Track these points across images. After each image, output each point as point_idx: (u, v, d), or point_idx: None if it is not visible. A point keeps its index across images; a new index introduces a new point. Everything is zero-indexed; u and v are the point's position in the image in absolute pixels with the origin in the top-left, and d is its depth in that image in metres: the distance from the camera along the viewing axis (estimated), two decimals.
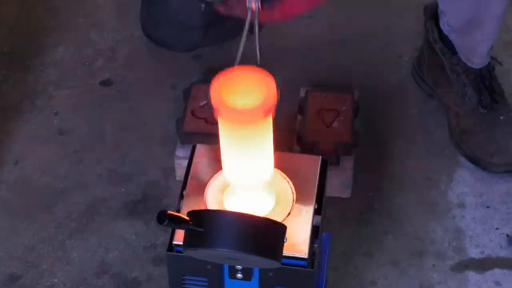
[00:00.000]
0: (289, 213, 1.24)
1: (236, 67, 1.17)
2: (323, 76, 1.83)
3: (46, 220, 1.61)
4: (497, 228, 1.60)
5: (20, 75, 1.84)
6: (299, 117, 1.69)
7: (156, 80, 1.82)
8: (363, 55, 1.88)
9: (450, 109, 1.68)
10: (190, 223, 1.09)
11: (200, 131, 1.63)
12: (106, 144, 1.73)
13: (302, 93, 1.72)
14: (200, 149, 1.33)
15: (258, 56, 1.22)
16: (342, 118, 1.65)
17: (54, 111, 1.78)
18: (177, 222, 1.08)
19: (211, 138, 1.55)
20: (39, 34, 1.92)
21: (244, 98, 1.13)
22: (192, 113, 1.67)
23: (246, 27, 1.21)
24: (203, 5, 1.83)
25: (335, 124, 1.65)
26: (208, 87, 1.13)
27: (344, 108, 1.67)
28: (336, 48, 1.89)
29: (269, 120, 1.17)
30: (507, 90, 1.79)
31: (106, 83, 1.84)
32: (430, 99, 1.79)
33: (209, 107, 1.13)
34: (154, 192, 1.65)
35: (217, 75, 1.15)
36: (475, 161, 1.66)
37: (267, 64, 1.82)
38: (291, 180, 1.28)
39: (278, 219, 1.20)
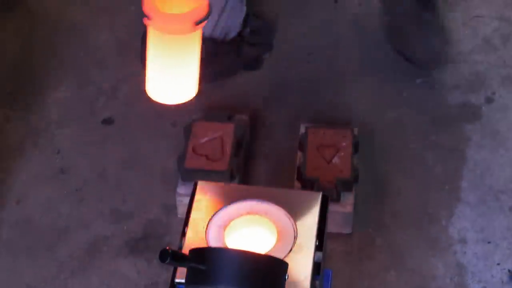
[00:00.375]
0: (291, 250, 1.24)
1: None
2: (322, 112, 1.85)
3: (48, 259, 1.61)
4: (498, 264, 1.60)
5: (22, 114, 1.86)
6: (299, 153, 1.70)
7: (157, 118, 1.84)
8: (362, 91, 1.90)
9: (388, 7, 1.83)
10: (192, 261, 1.09)
11: (201, 168, 1.65)
12: (108, 182, 1.74)
13: (302, 129, 1.73)
14: (202, 186, 1.34)
15: None
16: (342, 154, 1.67)
17: (56, 150, 1.80)
18: (179, 260, 1.09)
19: (212, 175, 1.61)
20: (41, 73, 1.94)
21: (176, 7, 1.18)
22: (193, 150, 1.68)
23: None
24: None
25: (335, 160, 1.66)
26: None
27: (344, 144, 1.68)
28: (336, 83, 1.91)
29: (198, 34, 1.19)
30: (506, 125, 1.82)
31: (107, 121, 1.86)
32: (430, 135, 1.81)
33: (141, 14, 1.16)
34: (155, 230, 1.66)
35: None
36: (403, 55, 1.82)
37: (267, 101, 1.87)
38: (292, 216, 1.29)
39: (280, 256, 1.21)
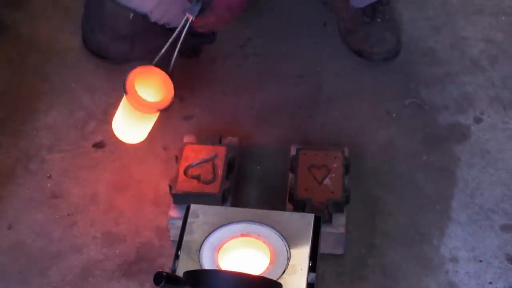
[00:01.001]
0: (284, 271, 1.26)
1: (151, 66, 1.67)
2: (313, 133, 1.86)
3: (40, 284, 1.61)
4: (490, 283, 1.61)
5: (13, 140, 1.86)
6: (290, 175, 1.71)
7: (148, 141, 1.83)
8: (352, 113, 1.91)
9: (338, 14, 2.01)
10: (187, 283, 1.10)
11: (193, 190, 1.65)
12: (100, 205, 1.74)
13: (293, 151, 1.74)
14: (195, 209, 1.36)
15: (172, 63, 1.65)
16: (334, 175, 1.67)
17: (48, 175, 1.80)
18: (174, 282, 1.10)
19: (204, 198, 1.61)
20: (32, 99, 1.94)
21: (149, 87, 1.66)
22: (185, 173, 1.69)
23: (176, 31, 1.63)
24: (131, 14, 1.88)
25: (326, 181, 1.67)
26: (127, 75, 1.64)
27: (335, 165, 1.69)
28: (325, 105, 1.93)
29: (157, 113, 1.69)
30: (495, 145, 1.84)
31: (98, 145, 1.86)
32: (420, 156, 1.83)
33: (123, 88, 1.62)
34: (148, 253, 1.65)
35: (137, 68, 1.65)
36: (359, 53, 1.96)
37: (257, 123, 1.89)
38: (285, 238, 1.31)
39: (273, 277, 1.22)
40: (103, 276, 1.62)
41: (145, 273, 1.62)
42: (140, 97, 1.65)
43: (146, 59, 1.93)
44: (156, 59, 1.66)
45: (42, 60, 2.02)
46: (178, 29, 1.64)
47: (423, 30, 2.06)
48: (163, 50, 1.66)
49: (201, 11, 1.64)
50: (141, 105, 1.65)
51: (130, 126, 1.72)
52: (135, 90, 1.64)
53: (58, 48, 2.04)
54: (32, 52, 2.03)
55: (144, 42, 1.94)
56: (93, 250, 1.67)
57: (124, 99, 1.68)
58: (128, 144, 1.80)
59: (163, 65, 1.75)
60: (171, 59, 1.67)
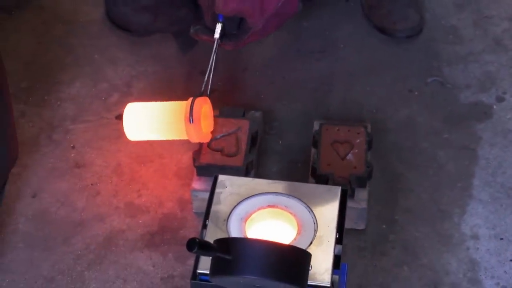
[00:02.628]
0: (311, 243, 1.26)
1: (206, 97, 1.66)
2: (335, 109, 1.85)
3: (64, 252, 1.62)
4: (511, 260, 1.61)
5: (37, 110, 1.87)
6: (313, 150, 1.71)
7: None
8: (374, 89, 1.91)
9: None
10: (218, 251, 1.10)
11: (216, 163, 1.65)
12: (122, 176, 1.75)
13: (316, 126, 1.74)
14: (222, 179, 1.36)
15: (209, 88, 1.66)
16: (356, 150, 1.67)
17: (71, 145, 1.80)
18: (206, 249, 1.10)
19: (228, 170, 1.61)
20: (56, 70, 1.94)
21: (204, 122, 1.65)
22: (208, 145, 1.69)
23: (213, 56, 1.65)
24: None
25: (349, 156, 1.67)
26: (193, 100, 1.62)
27: (358, 141, 1.69)
28: (347, 82, 1.92)
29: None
30: None
31: (121, 117, 1.82)
32: (442, 133, 1.82)
33: (186, 117, 1.62)
34: (170, 224, 1.66)
35: (199, 97, 1.63)
36: (382, 30, 1.97)
37: (280, 98, 1.88)
38: (312, 210, 1.31)
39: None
40: (126, 246, 1.63)
41: (167, 244, 1.63)
42: (201, 130, 1.62)
43: (168, 31, 1.98)
44: (203, 88, 1.65)
45: (66, 31, 2.02)
46: (212, 56, 1.65)
47: (447, 8, 2.05)
48: (204, 83, 1.66)
49: (233, 36, 1.64)
50: (195, 136, 1.63)
51: (149, 131, 1.68)
52: (200, 122, 1.62)
53: (82, 19, 2.05)
54: (56, 23, 2.04)
55: (166, 14, 1.94)
56: (116, 220, 1.67)
57: (170, 111, 1.65)
58: None
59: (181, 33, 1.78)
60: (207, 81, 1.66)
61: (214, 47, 1.64)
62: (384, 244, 1.63)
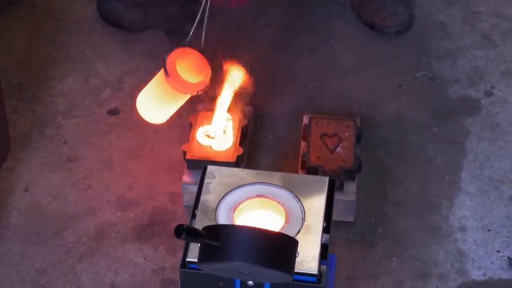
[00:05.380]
0: (299, 231, 1.27)
1: (187, 48, 1.65)
2: (325, 104, 1.87)
3: (56, 244, 1.64)
4: (498, 251, 1.63)
5: (29, 105, 1.88)
6: (303, 143, 1.73)
7: None
8: (364, 84, 1.92)
9: None
10: (206, 237, 1.12)
11: (206, 157, 1.67)
12: (114, 171, 1.76)
13: (305, 119, 1.76)
14: (211, 170, 1.37)
15: (203, 41, 1.63)
16: (345, 144, 1.69)
17: (63, 140, 1.82)
18: (194, 235, 1.11)
19: (217, 164, 1.59)
20: (48, 66, 1.96)
21: (186, 69, 1.64)
22: (198, 139, 1.71)
23: (201, 9, 1.60)
24: None
25: (338, 149, 1.69)
26: (166, 55, 1.62)
27: (347, 134, 1.71)
28: (337, 77, 1.94)
29: (189, 95, 1.69)
30: (505, 118, 1.85)
31: (113, 112, 1.88)
32: (431, 127, 1.84)
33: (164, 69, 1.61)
34: (161, 217, 1.68)
35: (175, 49, 1.63)
36: (372, 26, 1.98)
37: (270, 92, 1.90)
38: (300, 200, 1.32)
39: None
40: (118, 239, 1.65)
41: (158, 237, 1.65)
42: (182, 79, 1.63)
43: (159, 28, 2.00)
44: (188, 39, 1.65)
45: (57, 28, 2.04)
46: (200, 11, 1.63)
47: (436, 4, 2.07)
48: (190, 34, 1.65)
49: None
50: (183, 87, 1.63)
51: (160, 106, 1.69)
52: (177, 72, 1.63)
53: (73, 16, 2.06)
54: (48, 20, 2.05)
55: (158, 10, 1.96)
56: (108, 213, 1.69)
57: (157, 79, 1.66)
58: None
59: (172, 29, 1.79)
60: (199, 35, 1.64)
61: None
62: (373, 236, 1.65)
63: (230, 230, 1.14)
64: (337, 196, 1.56)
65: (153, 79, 1.70)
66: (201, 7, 1.62)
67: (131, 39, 2.01)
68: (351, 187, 1.65)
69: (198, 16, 1.63)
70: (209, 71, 1.67)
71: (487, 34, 2.02)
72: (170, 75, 1.61)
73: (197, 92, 1.65)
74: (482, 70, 1.94)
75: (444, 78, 1.93)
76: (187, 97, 1.69)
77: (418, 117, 1.86)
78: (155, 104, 1.69)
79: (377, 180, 1.74)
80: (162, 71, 1.65)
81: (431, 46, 1.99)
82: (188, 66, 1.65)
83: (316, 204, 1.32)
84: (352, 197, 1.64)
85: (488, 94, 1.90)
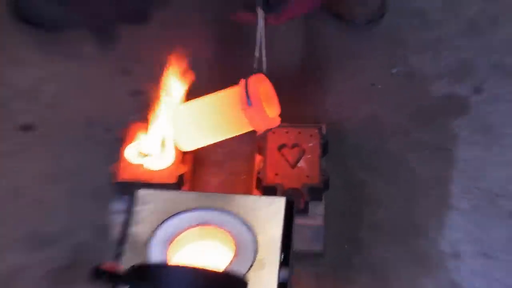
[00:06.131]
0: (251, 266, 1.23)
1: (261, 75, 1.62)
2: (284, 108, 1.77)
3: None
4: (497, 279, 1.58)
5: None
6: (258, 157, 1.67)
7: (87, 123, 1.80)
8: (330, 84, 1.90)
9: None
10: (133, 279, 1.06)
11: (138, 179, 1.60)
12: (26, 200, 1.68)
13: None
14: (143, 194, 1.34)
15: (264, 66, 1.62)
16: (309, 156, 1.64)
17: None
18: (117, 279, 1.07)
19: (154, 187, 1.54)
20: None
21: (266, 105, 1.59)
22: (130, 158, 1.62)
23: (259, 36, 1.62)
24: None
25: (300, 163, 1.63)
26: (246, 82, 1.56)
27: (310, 145, 1.66)
28: (299, 76, 1.92)
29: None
30: (498, 118, 1.83)
31: (26, 127, 1.81)
32: (411, 133, 1.81)
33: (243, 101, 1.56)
34: (85, 256, 1.59)
35: (255, 75, 1.59)
36: (339, 16, 1.99)
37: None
38: (252, 227, 1.28)
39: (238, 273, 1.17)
40: (28, 286, 1.55)
41: (81, 281, 1.49)
42: (266, 114, 1.55)
43: (84, 25, 1.97)
44: (255, 64, 1.61)
45: None
46: (258, 32, 1.62)
47: None
48: (256, 56, 1.61)
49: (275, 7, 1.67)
50: (261, 122, 1.56)
51: (203, 134, 1.61)
52: (262, 103, 1.55)
53: None
54: None
55: (84, 6, 1.95)
56: (16, 254, 1.60)
57: (221, 101, 1.59)
58: (63, 126, 1.76)
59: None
60: (260, 59, 1.63)
61: (259, 16, 1.62)
62: (347, 268, 1.59)
63: (163, 271, 1.09)
64: (301, 220, 1.53)
65: (209, 98, 1.61)
66: (259, 22, 1.63)
67: (50, 39, 1.96)
68: (318, 209, 1.59)
69: (259, 34, 1.63)
70: (277, 105, 1.62)
71: (473, 21, 2.02)
72: (254, 105, 1.54)
73: (266, 131, 1.61)
74: (468, 63, 1.93)
75: (424, 73, 1.92)
76: (241, 131, 1.62)
77: (396, 121, 1.83)
78: (199, 129, 1.61)
79: (350, 199, 1.69)
80: (229, 92, 1.59)
81: (407, 37, 1.99)
82: (262, 97, 1.59)
83: (271, 232, 1.28)
84: (320, 221, 1.58)
85: (478, 90, 1.89)
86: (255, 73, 1.60)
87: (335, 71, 1.93)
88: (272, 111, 1.60)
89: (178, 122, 1.60)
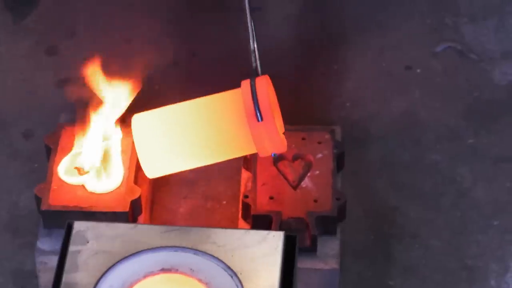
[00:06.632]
0: None
1: (263, 79, 1.64)
2: (283, 105, 1.79)
3: None
4: None
5: None
6: (245, 174, 1.73)
7: (0, 127, 1.86)
8: (346, 67, 1.95)
9: None
10: None
11: (75, 206, 1.66)
12: None
13: None
14: (81, 229, 1.37)
15: (258, 64, 1.65)
16: (317, 172, 1.69)
17: None
18: None
19: (98, 216, 1.62)
20: None
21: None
22: (62, 176, 1.68)
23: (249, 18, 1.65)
24: None
25: (305, 183, 1.69)
26: (252, 81, 1.60)
27: (319, 156, 1.71)
28: (302, 55, 1.96)
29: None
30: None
31: None
32: (464, 137, 1.86)
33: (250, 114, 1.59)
34: None
35: (263, 76, 1.64)
36: None
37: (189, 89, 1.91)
38: (235, 274, 1.32)
39: None
40: None
41: None
42: (278, 132, 1.60)
43: None
44: (254, 63, 1.64)
45: None
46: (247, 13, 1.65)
47: None
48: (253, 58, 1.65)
49: None
50: (271, 142, 1.60)
51: (177, 158, 1.64)
52: (274, 119, 1.60)
53: None
54: None
55: None
56: None
57: (221, 109, 1.61)
58: None
59: None
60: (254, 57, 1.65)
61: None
62: None
63: None
64: (307, 263, 1.60)
65: (192, 104, 1.64)
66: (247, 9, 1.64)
67: None
68: (330, 247, 1.65)
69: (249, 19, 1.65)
70: (281, 118, 1.67)
71: None
72: (265, 121, 1.57)
73: (272, 154, 1.64)
74: None
75: (483, 51, 1.96)
76: (238, 154, 1.67)
77: (442, 121, 1.88)
78: (174, 148, 1.63)
79: (376, 232, 1.75)
80: (222, 97, 1.62)
81: None
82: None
83: (265, 281, 1.31)
84: (333, 264, 1.64)
85: None
86: (254, 73, 1.61)
87: (354, 49, 1.96)
88: (279, 127, 1.62)
89: (141, 136, 1.61)
